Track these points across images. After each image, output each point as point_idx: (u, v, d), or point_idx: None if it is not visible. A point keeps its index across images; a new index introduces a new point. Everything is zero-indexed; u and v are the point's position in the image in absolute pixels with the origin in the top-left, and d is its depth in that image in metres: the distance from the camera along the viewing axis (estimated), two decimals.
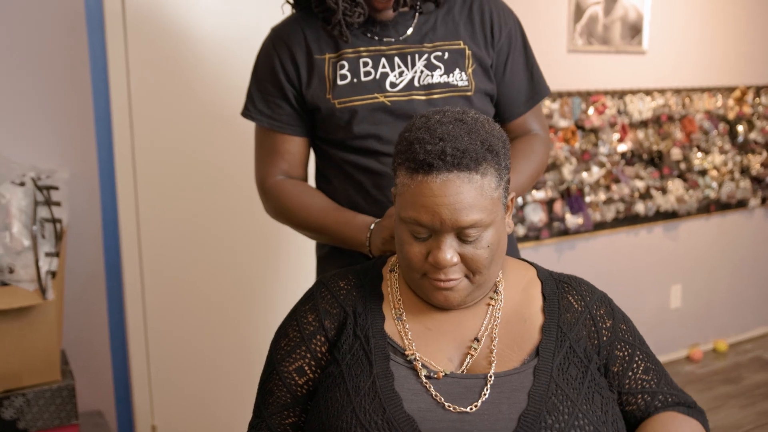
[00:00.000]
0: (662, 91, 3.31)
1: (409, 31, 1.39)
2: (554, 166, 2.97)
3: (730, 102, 3.56)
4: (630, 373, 1.04)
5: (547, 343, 1.00)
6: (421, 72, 1.37)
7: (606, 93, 3.12)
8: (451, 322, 1.03)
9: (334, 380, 0.98)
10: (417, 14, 1.40)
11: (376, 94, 1.35)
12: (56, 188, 1.91)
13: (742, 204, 3.72)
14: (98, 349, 2.25)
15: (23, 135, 2.06)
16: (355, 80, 1.36)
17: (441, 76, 1.38)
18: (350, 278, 1.10)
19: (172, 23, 2.20)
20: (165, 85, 2.22)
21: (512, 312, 1.04)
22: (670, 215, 3.44)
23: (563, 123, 2.96)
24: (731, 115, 3.56)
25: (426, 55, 1.38)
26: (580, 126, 3.04)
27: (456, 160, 0.93)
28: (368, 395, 0.94)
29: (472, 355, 0.99)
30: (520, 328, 1.02)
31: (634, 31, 3.20)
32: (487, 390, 0.94)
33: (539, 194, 2.94)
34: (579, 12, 3.01)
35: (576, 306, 1.05)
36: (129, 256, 2.24)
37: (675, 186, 3.39)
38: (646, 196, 3.30)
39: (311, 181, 1.53)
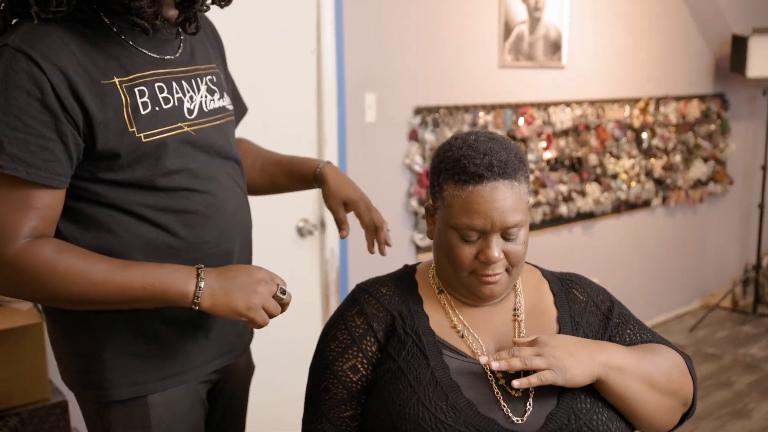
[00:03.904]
0: (580, 103, 3.62)
1: (180, 50, 1.25)
2: None
3: (636, 112, 3.93)
4: (628, 331, 1.21)
5: (564, 331, 1.19)
6: (205, 96, 1.26)
7: (532, 105, 3.39)
8: (483, 317, 1.20)
9: (394, 375, 1.12)
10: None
11: (179, 123, 1.19)
12: None
13: (646, 204, 4.11)
14: None
15: None
16: (157, 108, 1.16)
17: (219, 99, 1.30)
18: (390, 285, 1.24)
19: None
20: None
21: (530, 306, 1.22)
22: (588, 216, 3.76)
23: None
24: (637, 124, 3.94)
25: (205, 78, 1.28)
26: (512, 136, 3.28)
27: (500, 170, 1.10)
28: (430, 385, 1.09)
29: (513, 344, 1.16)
30: (540, 320, 1.20)
31: (555, 47, 3.49)
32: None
33: None
34: (507, 31, 3.26)
35: (581, 298, 1.24)
36: None
37: (592, 189, 3.72)
38: (568, 198, 3.60)
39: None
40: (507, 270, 1.15)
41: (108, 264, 1.09)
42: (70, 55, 1.07)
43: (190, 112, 1.21)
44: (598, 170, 3.75)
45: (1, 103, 1.03)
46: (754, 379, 3.61)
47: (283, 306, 1.19)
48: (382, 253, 1.49)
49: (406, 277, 1.26)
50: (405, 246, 2.96)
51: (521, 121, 3.31)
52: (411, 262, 2.91)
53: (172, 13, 1.18)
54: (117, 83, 1.12)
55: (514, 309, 1.21)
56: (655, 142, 4.05)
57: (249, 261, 1.42)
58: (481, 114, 3.14)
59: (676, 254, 4.46)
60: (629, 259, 4.13)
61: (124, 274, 1.09)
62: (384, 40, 2.78)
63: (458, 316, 1.19)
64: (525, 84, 3.37)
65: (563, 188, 3.55)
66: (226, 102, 1.32)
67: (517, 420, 1.07)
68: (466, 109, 3.09)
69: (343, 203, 1.49)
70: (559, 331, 1.18)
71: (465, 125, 3.06)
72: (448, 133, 2.99)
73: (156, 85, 1.17)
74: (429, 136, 2.93)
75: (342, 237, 1.48)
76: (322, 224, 2.64)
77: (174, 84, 1.20)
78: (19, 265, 1.05)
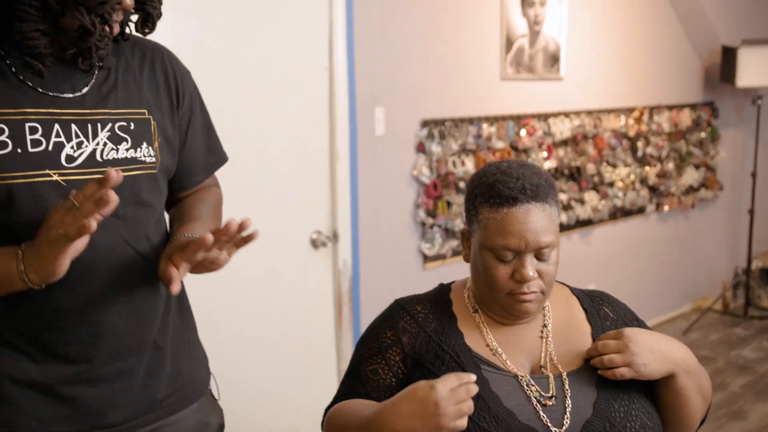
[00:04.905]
0: (578, 113, 3.72)
1: (86, 88, 1.14)
2: None
3: (631, 121, 4.04)
4: None
5: None
6: (105, 144, 1.13)
7: (533, 116, 3.48)
8: (515, 335, 1.27)
9: None
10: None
11: (47, 170, 1.07)
12: None
13: (641, 210, 4.22)
14: None
15: None
16: (19, 150, 1.05)
17: (128, 150, 1.16)
18: (425, 303, 1.31)
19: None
20: None
21: (562, 323, 1.30)
22: (586, 223, 3.86)
23: (500, 144, 3.28)
24: (632, 133, 4.05)
25: (110, 125, 1.15)
26: (514, 147, 3.38)
27: (533, 193, 1.18)
28: (472, 397, 1.16)
29: (546, 360, 1.24)
30: (574, 336, 1.28)
31: (554, 60, 3.59)
32: (566, 386, 1.19)
33: None
34: (509, 44, 3.35)
35: (612, 315, 1.33)
36: None
37: (591, 197, 3.82)
38: (568, 207, 3.70)
39: None
40: (541, 290, 1.23)
41: None
42: None
43: (71, 159, 1.09)
44: (596, 179, 3.85)
45: None
46: (747, 381, 3.72)
47: (77, 203, 0.98)
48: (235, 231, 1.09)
49: (441, 295, 1.34)
50: (413, 255, 3.04)
51: (523, 132, 3.40)
52: (418, 270, 3.02)
53: (71, 50, 1.08)
54: None
55: (543, 326, 1.29)
56: (650, 150, 4.17)
57: (138, 326, 1.22)
58: (485, 126, 3.23)
59: (669, 258, 4.58)
60: (624, 263, 4.23)
61: None
62: (392, 55, 2.86)
63: (492, 335, 1.26)
64: (526, 96, 3.47)
65: (563, 197, 3.65)
66: (142, 153, 1.18)
67: (555, 430, 1.15)
68: (470, 121, 3.18)
69: (168, 258, 1.15)
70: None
71: (470, 137, 3.15)
72: (454, 145, 3.08)
73: (28, 125, 1.06)
74: (435, 148, 3.02)
75: (171, 293, 1.11)
76: (335, 236, 2.72)
77: (56, 126, 1.08)
78: None
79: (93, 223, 0.95)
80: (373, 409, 1.10)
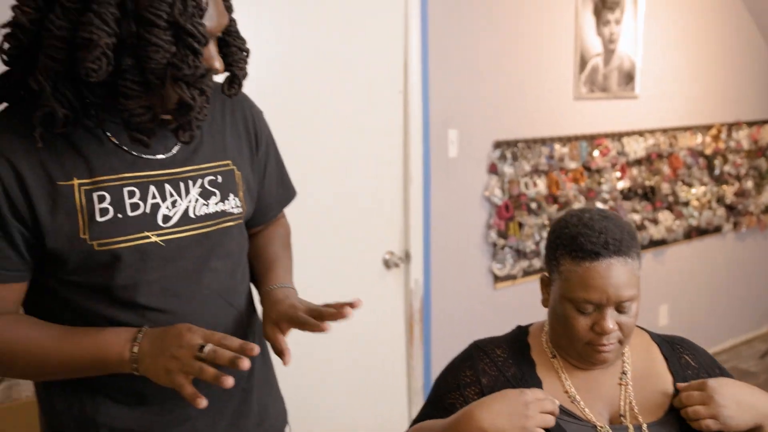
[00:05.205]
0: (652, 132, 3.66)
1: (176, 147, 1.16)
2: (566, 204, 3.27)
3: (708, 139, 3.95)
4: None
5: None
6: (197, 201, 1.15)
7: (607, 135, 3.45)
8: (593, 381, 1.28)
9: None
10: None
11: (146, 233, 1.10)
12: None
13: (717, 229, 4.11)
14: None
15: None
16: (119, 215, 1.08)
17: (217, 204, 1.18)
18: (504, 347, 1.34)
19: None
20: None
21: (642, 370, 1.30)
22: (660, 243, 3.79)
23: (572, 165, 3.26)
24: (708, 151, 3.95)
25: (200, 180, 1.16)
26: (587, 167, 3.35)
27: (616, 247, 1.19)
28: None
29: (625, 409, 1.25)
30: (654, 384, 1.28)
31: (628, 78, 3.54)
32: None
33: None
34: (583, 63, 3.33)
35: (693, 363, 1.32)
36: None
37: (665, 217, 3.75)
38: (641, 227, 3.64)
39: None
40: (619, 340, 1.23)
41: (50, 336, 1.07)
42: (31, 152, 1.03)
43: (167, 219, 1.12)
44: (671, 198, 3.78)
45: None
46: None
47: (207, 360, 1.01)
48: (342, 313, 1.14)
49: (519, 339, 1.35)
50: (484, 276, 3.06)
51: (596, 152, 3.37)
52: (489, 291, 3.04)
53: (172, 125, 1.10)
54: (76, 185, 1.06)
55: (622, 373, 1.30)
56: (727, 168, 4.06)
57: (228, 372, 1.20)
58: (557, 146, 3.22)
59: (746, 278, 4.44)
60: (699, 284, 4.14)
61: (65, 344, 1.06)
62: (466, 77, 2.88)
63: (570, 381, 1.28)
64: (599, 115, 3.44)
65: (636, 217, 3.60)
66: (230, 205, 1.20)
67: None
68: (543, 141, 3.17)
69: (275, 324, 1.19)
70: (675, 395, 1.27)
71: (542, 158, 3.14)
72: (527, 166, 3.08)
73: (126, 189, 1.09)
74: (508, 169, 3.03)
75: (284, 365, 1.14)
76: (407, 256, 2.76)
77: (152, 188, 1.11)
78: None
79: (229, 382, 0.97)
80: (457, 414, 1.15)
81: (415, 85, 2.70)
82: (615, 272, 1.18)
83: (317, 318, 1.11)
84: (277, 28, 2.35)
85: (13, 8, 0.99)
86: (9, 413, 1.83)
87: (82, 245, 1.05)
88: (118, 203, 1.08)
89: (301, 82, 2.42)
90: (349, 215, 2.60)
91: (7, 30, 1.00)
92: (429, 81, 2.75)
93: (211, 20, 1.02)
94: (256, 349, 1.00)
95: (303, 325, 1.12)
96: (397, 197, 2.74)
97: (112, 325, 1.10)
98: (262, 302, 1.26)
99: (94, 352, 1.05)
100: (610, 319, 1.20)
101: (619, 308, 1.20)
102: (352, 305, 1.12)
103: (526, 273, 3.18)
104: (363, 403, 2.70)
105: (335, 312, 1.10)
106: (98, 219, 1.06)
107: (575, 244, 1.21)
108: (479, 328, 2.95)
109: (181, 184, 1.14)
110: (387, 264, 2.72)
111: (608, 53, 3.43)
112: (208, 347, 1.01)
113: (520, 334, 1.37)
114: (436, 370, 2.86)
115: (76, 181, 1.05)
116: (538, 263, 3.22)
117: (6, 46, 1.00)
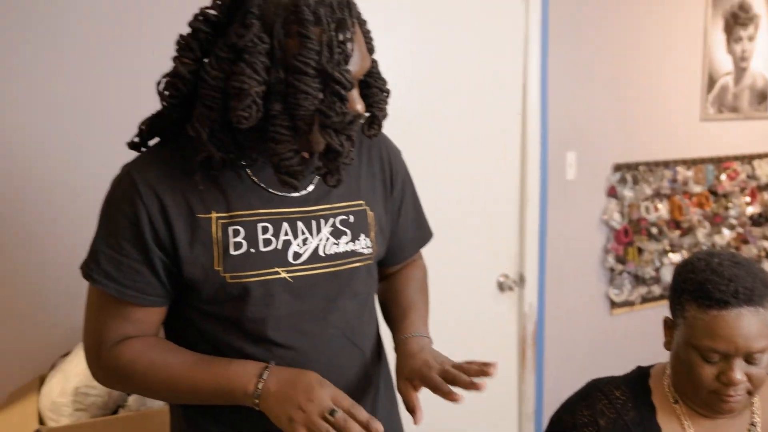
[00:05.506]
0: None
1: (311, 186, 1.17)
2: (689, 230, 3.14)
3: None
4: None
5: None
6: (327, 239, 1.16)
7: (736, 158, 3.28)
8: (719, 429, 1.23)
9: None
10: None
11: (276, 268, 1.11)
12: None
13: None
14: None
15: None
16: (252, 250, 1.10)
17: (347, 243, 1.18)
18: (623, 389, 1.31)
19: None
20: None
21: None
22: None
23: (697, 189, 3.13)
24: None
25: (332, 219, 1.17)
26: (713, 192, 3.20)
27: (746, 297, 1.14)
28: None
29: None
30: None
31: (761, 97, 3.36)
32: None
33: (676, 257, 3.11)
34: (711, 82, 3.19)
35: None
36: None
37: None
38: None
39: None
40: (748, 391, 1.18)
41: (183, 361, 1.10)
42: (175, 185, 1.07)
43: (297, 256, 1.13)
44: None
45: (106, 221, 1.09)
46: None
47: (336, 426, 0.99)
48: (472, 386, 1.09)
49: (639, 381, 1.32)
50: (600, 301, 2.99)
51: (723, 176, 3.22)
52: (605, 316, 2.96)
53: (321, 171, 1.11)
54: (214, 218, 1.09)
55: (751, 423, 1.24)
56: None
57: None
58: (681, 169, 3.10)
59: None
60: None
61: (195, 371, 1.08)
62: (585, 99, 2.83)
63: (693, 429, 1.23)
64: (728, 136, 3.28)
65: (767, 244, 3.40)
66: (361, 245, 1.20)
67: None
68: (666, 164, 3.06)
69: (407, 380, 1.15)
70: None
71: (665, 181, 3.03)
72: (648, 190, 2.98)
73: (260, 225, 1.11)
74: (628, 193, 2.94)
75: (415, 423, 1.09)
76: (522, 279, 2.74)
77: (285, 225, 1.13)
78: (114, 361, 1.10)
79: None
80: None
81: (534, 106, 2.68)
82: (745, 323, 1.13)
83: (450, 382, 1.08)
84: (396, 54, 2.40)
85: (174, 59, 1.06)
86: (143, 419, 1.96)
87: (215, 277, 1.08)
88: (251, 238, 1.10)
89: (420, 104, 2.46)
90: (465, 237, 2.61)
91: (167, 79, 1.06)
92: (548, 103, 2.73)
93: (356, 65, 1.04)
94: (381, 429, 0.98)
95: (435, 390, 1.09)
96: (513, 219, 2.73)
97: (240, 355, 1.12)
98: (397, 351, 1.23)
99: (221, 382, 1.06)
100: (738, 370, 1.15)
101: (749, 359, 1.15)
102: (487, 369, 1.08)
103: (645, 300, 3.07)
104: (474, 427, 2.69)
105: (468, 381, 1.06)
106: (232, 252, 1.09)
107: (702, 290, 1.17)
108: (594, 353, 2.89)
109: (313, 222, 1.15)
110: (501, 287, 2.71)
111: (739, 71, 3.27)
112: (340, 414, 1.00)
113: (641, 376, 1.34)
114: (549, 395, 2.81)
115: (214, 215, 1.09)
116: (657, 290, 3.10)
117: (167, 93, 1.06)
